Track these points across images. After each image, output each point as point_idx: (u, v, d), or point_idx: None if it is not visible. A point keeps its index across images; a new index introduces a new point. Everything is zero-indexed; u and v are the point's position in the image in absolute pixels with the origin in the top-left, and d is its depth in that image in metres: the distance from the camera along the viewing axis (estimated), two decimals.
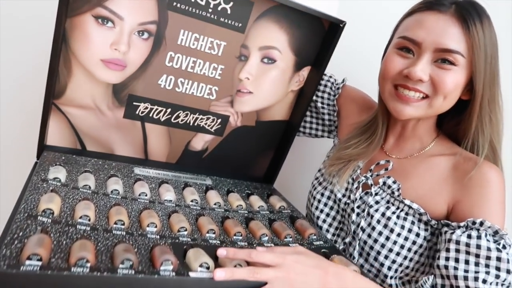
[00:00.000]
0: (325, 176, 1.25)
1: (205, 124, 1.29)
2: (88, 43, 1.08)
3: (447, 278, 0.96)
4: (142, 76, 1.17)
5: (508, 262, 0.92)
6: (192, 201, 1.10)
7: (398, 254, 1.05)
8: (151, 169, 1.23)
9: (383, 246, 1.06)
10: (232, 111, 1.30)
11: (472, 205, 0.99)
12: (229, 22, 1.17)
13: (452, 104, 1.05)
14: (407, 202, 1.07)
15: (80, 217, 0.86)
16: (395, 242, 1.05)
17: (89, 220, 0.87)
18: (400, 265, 1.06)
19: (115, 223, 0.88)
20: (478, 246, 0.93)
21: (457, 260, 0.95)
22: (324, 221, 1.21)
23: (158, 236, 0.89)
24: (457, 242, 0.96)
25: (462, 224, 0.97)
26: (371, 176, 1.16)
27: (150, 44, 1.13)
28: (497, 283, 0.91)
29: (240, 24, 1.19)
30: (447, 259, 0.96)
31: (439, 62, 1.00)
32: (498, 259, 0.92)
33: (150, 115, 1.22)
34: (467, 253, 0.94)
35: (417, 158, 1.13)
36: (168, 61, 1.17)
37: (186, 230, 0.93)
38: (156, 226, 0.91)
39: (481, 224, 0.95)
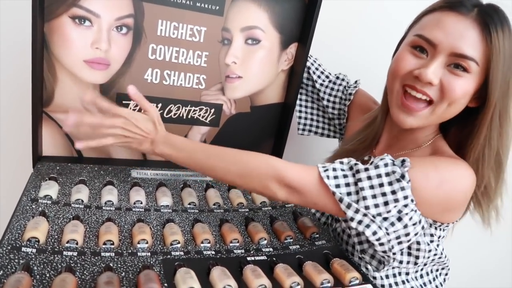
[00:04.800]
0: None
1: (199, 115, 1.16)
2: (69, 46, 0.99)
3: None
4: (127, 73, 1.06)
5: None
6: (190, 203, 0.98)
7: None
8: (149, 170, 1.10)
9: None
10: (224, 98, 1.17)
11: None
12: (206, 6, 1.06)
13: (457, 112, 0.92)
14: None
15: (67, 242, 0.76)
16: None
17: (77, 244, 0.76)
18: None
19: (104, 244, 0.78)
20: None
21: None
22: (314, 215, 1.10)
23: (149, 253, 0.78)
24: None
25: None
26: None
27: (130, 39, 1.03)
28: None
29: (217, 7, 1.07)
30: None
31: (452, 67, 0.87)
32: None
33: (142, 112, 1.10)
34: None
35: (404, 156, 0.97)
36: (151, 54, 1.06)
37: (179, 243, 0.82)
38: (147, 243, 0.80)
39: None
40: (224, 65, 1.13)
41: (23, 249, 0.73)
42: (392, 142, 1.03)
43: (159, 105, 1.11)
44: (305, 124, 1.27)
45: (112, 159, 1.12)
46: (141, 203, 0.94)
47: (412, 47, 0.92)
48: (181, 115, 1.14)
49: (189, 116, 1.15)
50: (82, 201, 0.90)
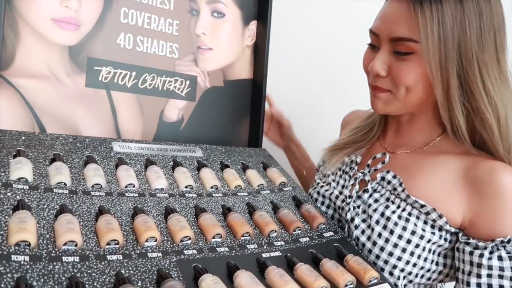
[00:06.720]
0: (320, 169, 1.04)
1: (175, 87, 1.04)
2: (36, 2, 0.84)
3: None
4: (99, 36, 0.92)
5: None
6: (186, 187, 0.86)
7: (399, 258, 0.81)
8: (132, 143, 0.94)
9: (382, 249, 0.82)
10: (198, 70, 1.08)
11: (492, 219, 0.78)
12: None
13: (425, 94, 0.82)
14: (412, 198, 0.83)
15: (65, 244, 0.61)
16: (395, 245, 0.81)
17: (76, 245, 0.62)
18: (402, 270, 0.82)
19: (108, 244, 0.64)
20: None
21: (490, 286, 0.76)
22: None
23: (161, 254, 0.67)
24: (489, 267, 0.76)
25: (490, 245, 0.77)
26: (369, 171, 0.92)
27: (101, 0, 0.92)
28: None
29: None
30: (478, 285, 0.76)
31: (396, 53, 0.80)
32: None
33: (115, 81, 0.94)
34: (501, 277, 0.75)
35: (420, 154, 0.89)
36: (123, 17, 0.96)
37: (189, 239, 0.72)
38: (156, 240, 0.68)
39: (509, 241, 0.76)
40: (194, 35, 1.07)
41: (13, 257, 0.56)
42: (398, 138, 0.95)
43: (133, 73, 0.97)
44: None
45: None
46: (133, 186, 0.80)
47: (369, 44, 0.88)
48: (156, 86, 1.01)
49: (164, 88, 1.02)
50: (65, 184, 0.74)
